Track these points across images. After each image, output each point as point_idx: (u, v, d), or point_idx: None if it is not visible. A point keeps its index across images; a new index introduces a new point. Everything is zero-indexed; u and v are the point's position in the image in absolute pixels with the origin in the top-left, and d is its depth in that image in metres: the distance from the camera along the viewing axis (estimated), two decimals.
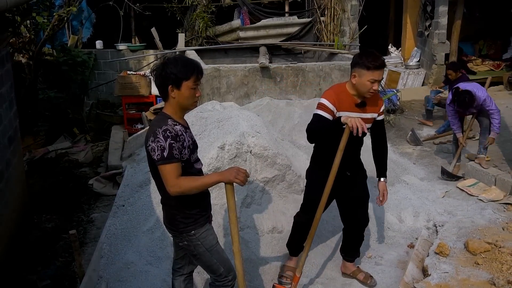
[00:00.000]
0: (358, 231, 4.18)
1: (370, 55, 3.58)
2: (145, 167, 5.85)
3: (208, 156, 4.75)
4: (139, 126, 8.31)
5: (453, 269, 4.06)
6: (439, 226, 4.97)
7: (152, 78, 8.60)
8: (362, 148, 3.98)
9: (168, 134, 2.77)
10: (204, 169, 4.74)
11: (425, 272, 4.17)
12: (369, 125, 3.75)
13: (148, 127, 7.26)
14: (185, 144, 2.87)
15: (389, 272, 4.37)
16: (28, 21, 8.43)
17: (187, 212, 3.00)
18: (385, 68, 3.79)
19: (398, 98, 9.09)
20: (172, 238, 3.30)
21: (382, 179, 4.04)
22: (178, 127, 2.84)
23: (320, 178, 3.79)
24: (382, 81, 3.73)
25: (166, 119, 2.86)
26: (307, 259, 4.05)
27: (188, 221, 3.00)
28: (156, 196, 4.97)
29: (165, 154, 2.75)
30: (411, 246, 4.76)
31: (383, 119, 3.95)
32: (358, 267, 4.30)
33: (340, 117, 3.57)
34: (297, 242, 4.16)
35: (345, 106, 3.69)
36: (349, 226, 4.18)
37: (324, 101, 3.69)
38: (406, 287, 3.94)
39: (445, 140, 7.58)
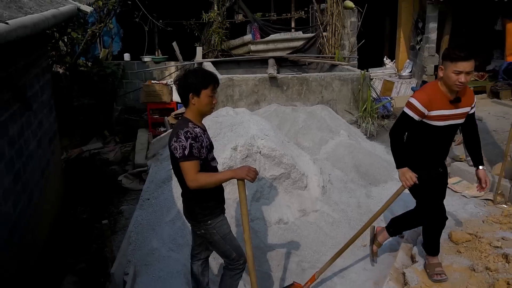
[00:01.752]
0: (441, 225, 3.81)
1: (457, 46, 3.28)
2: (167, 166, 5.91)
3: (223, 156, 4.78)
4: (162, 129, 8.36)
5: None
6: None
7: (174, 86, 8.74)
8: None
9: (189, 135, 2.82)
10: (219, 167, 4.79)
11: (413, 259, 4.17)
12: (461, 121, 3.49)
13: (170, 130, 7.34)
14: (203, 144, 2.91)
15: (382, 258, 4.36)
16: (65, 37, 8.54)
17: (204, 204, 3.04)
18: (474, 61, 3.20)
19: (391, 105, 9.06)
20: (191, 227, 3.34)
21: (480, 167, 3.63)
22: (197, 130, 2.90)
23: (422, 179, 3.50)
24: (470, 75, 3.24)
25: (187, 122, 2.91)
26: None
27: (205, 212, 3.04)
28: (177, 191, 5.02)
29: (186, 152, 2.80)
30: (401, 236, 4.68)
31: (474, 112, 3.58)
32: (439, 263, 3.87)
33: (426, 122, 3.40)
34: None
35: (438, 105, 3.35)
36: (433, 221, 3.78)
37: (414, 101, 3.37)
38: (396, 272, 3.94)
39: None
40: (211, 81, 2.94)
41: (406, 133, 3.64)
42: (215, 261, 4.03)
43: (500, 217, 4.69)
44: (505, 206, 5.01)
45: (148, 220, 4.83)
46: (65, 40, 8.78)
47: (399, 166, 3.56)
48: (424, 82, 9.25)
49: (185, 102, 2.98)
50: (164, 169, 5.90)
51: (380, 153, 6.92)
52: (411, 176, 3.43)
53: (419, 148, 3.59)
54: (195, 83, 2.89)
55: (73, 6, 5.07)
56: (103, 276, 4.02)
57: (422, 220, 3.86)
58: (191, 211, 3.13)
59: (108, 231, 4.04)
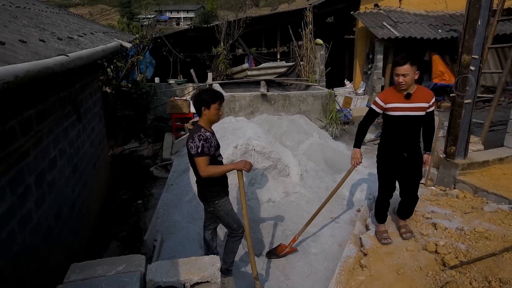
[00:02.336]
0: (408, 205, 3.71)
1: (397, 56, 3.21)
2: (186, 160, 5.88)
3: (227, 152, 4.76)
4: (183, 133, 8.34)
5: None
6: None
7: (191, 101, 8.73)
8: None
9: (201, 137, 2.83)
10: (224, 161, 4.77)
11: (367, 227, 4.16)
12: (421, 113, 3.30)
13: (188, 133, 7.32)
14: (212, 144, 2.91)
15: (344, 228, 4.37)
16: (111, 65, 8.49)
17: (212, 188, 3.04)
18: (409, 65, 3.14)
19: (351, 114, 9.09)
20: (203, 205, 3.33)
21: (427, 152, 3.52)
22: (207, 133, 2.90)
23: (382, 161, 3.52)
24: (407, 76, 3.17)
25: (200, 128, 2.93)
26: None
27: (212, 194, 3.04)
28: (193, 179, 4.97)
29: (199, 150, 2.80)
30: (358, 210, 4.74)
31: (433, 111, 3.39)
32: (406, 224, 3.79)
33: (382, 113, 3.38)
34: (381, 213, 3.79)
35: (392, 100, 3.31)
36: (403, 200, 3.71)
37: (376, 98, 3.41)
38: (355, 238, 3.94)
39: None
40: (218, 98, 2.95)
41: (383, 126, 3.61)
42: (221, 231, 3.99)
43: (430, 196, 4.70)
44: (433, 188, 5.02)
45: (172, 200, 4.82)
46: (112, 67, 8.74)
47: (354, 146, 3.62)
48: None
49: (199, 113, 2.98)
50: (184, 162, 5.88)
51: (343, 149, 6.92)
52: (358, 157, 3.48)
53: (386, 135, 3.55)
54: (206, 99, 2.90)
55: (117, 43, 5.01)
56: (138, 242, 3.99)
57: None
58: (202, 193, 3.12)
59: (142, 208, 4.02)
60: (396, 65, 3.19)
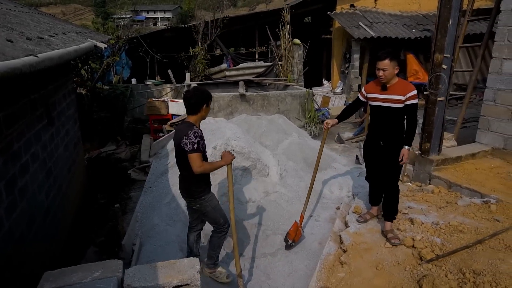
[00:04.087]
0: (388, 198, 3.73)
1: (380, 51, 3.38)
2: (165, 162, 5.81)
3: (206, 153, 4.75)
4: (161, 134, 8.22)
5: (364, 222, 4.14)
6: (355, 195, 5.00)
7: (169, 103, 8.61)
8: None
9: (196, 134, 2.89)
10: None
11: (346, 225, 4.18)
12: (397, 105, 3.39)
13: (167, 134, 7.22)
14: (203, 141, 3.00)
15: (324, 225, 4.40)
16: (86, 66, 8.29)
17: (199, 183, 3.09)
18: (388, 60, 3.32)
19: (329, 113, 9.19)
20: (187, 205, 3.33)
21: (406, 146, 3.47)
22: (200, 131, 2.97)
23: (364, 146, 3.85)
24: (387, 71, 3.34)
25: (192, 125, 2.97)
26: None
27: (199, 190, 3.09)
28: (172, 180, 4.94)
29: (195, 147, 2.85)
30: (338, 208, 4.78)
31: (414, 104, 3.39)
32: (393, 230, 3.70)
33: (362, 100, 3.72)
34: (371, 197, 4.06)
35: (372, 91, 3.56)
36: (383, 193, 3.79)
37: (362, 88, 3.75)
38: (334, 235, 3.98)
39: (359, 140, 7.64)
40: (211, 97, 3.10)
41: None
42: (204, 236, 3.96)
43: (406, 192, 4.77)
44: (409, 184, 5.10)
45: (150, 203, 4.74)
46: (86, 69, 8.53)
47: (336, 117, 3.89)
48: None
49: (196, 110, 2.99)
50: (162, 164, 5.80)
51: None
52: (327, 122, 3.72)
53: (370, 123, 3.81)
54: (207, 96, 3.02)
55: (91, 43, 4.89)
56: (116, 246, 3.91)
57: None
58: (189, 190, 3.14)
59: (119, 212, 3.95)
60: (377, 59, 3.39)
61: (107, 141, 8.15)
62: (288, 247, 3.95)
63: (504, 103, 5.28)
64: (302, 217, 4.02)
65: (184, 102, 2.99)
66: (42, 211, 3.32)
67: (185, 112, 3.07)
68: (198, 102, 2.96)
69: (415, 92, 3.40)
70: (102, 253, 3.92)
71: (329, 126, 3.73)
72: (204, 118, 3.09)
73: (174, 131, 3.22)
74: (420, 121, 5.08)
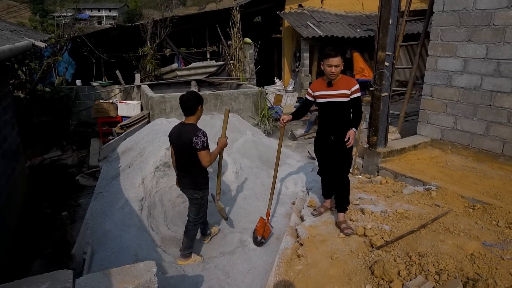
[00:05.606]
0: (340, 189, 3.87)
1: (328, 49, 3.49)
2: (116, 165, 5.58)
3: (159, 155, 4.63)
4: (110, 137, 7.89)
5: (318, 215, 4.26)
6: (309, 189, 5.09)
7: (119, 104, 8.30)
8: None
9: (205, 134, 3.28)
10: (156, 163, 4.62)
11: (302, 219, 4.26)
12: (344, 99, 3.55)
13: (118, 137, 6.93)
14: (208, 139, 3.33)
15: (281, 221, 4.45)
16: (24, 67, 7.72)
17: (205, 175, 3.54)
18: (340, 57, 3.48)
19: (281, 111, 9.35)
20: (188, 198, 3.62)
21: (353, 128, 3.56)
22: (204, 131, 3.30)
23: (315, 143, 3.93)
24: (339, 67, 3.48)
25: (195, 126, 3.34)
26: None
27: (205, 181, 3.55)
28: (124, 184, 4.76)
29: (205, 145, 3.25)
30: (293, 203, 4.84)
31: (358, 97, 3.58)
32: (345, 220, 3.85)
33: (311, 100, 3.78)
34: (324, 190, 4.21)
35: (318, 88, 3.66)
36: (335, 185, 3.91)
37: (308, 88, 3.80)
38: (291, 229, 4.05)
39: (311, 136, 7.80)
40: (202, 98, 3.45)
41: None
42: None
43: (357, 184, 4.96)
44: (359, 176, 5.31)
45: (102, 209, 4.53)
46: (24, 69, 7.92)
47: (290, 114, 3.96)
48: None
49: (192, 111, 3.34)
50: (113, 168, 5.56)
51: (276, 146, 7.04)
52: (283, 118, 3.81)
53: (319, 120, 3.90)
54: (201, 99, 3.38)
55: (28, 42, 4.57)
56: (66, 257, 3.69)
57: None
58: (195, 183, 3.49)
59: (68, 220, 3.74)
60: (329, 56, 3.47)
61: (51, 147, 7.68)
62: (259, 243, 3.96)
63: (440, 98, 5.69)
64: (268, 213, 4.06)
65: (181, 105, 3.33)
66: None
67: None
68: (194, 104, 3.30)
69: (358, 86, 3.63)
70: (50, 265, 3.69)
71: (284, 122, 3.79)
72: (199, 118, 3.41)
73: (171, 132, 3.52)
74: (368, 116, 5.33)
